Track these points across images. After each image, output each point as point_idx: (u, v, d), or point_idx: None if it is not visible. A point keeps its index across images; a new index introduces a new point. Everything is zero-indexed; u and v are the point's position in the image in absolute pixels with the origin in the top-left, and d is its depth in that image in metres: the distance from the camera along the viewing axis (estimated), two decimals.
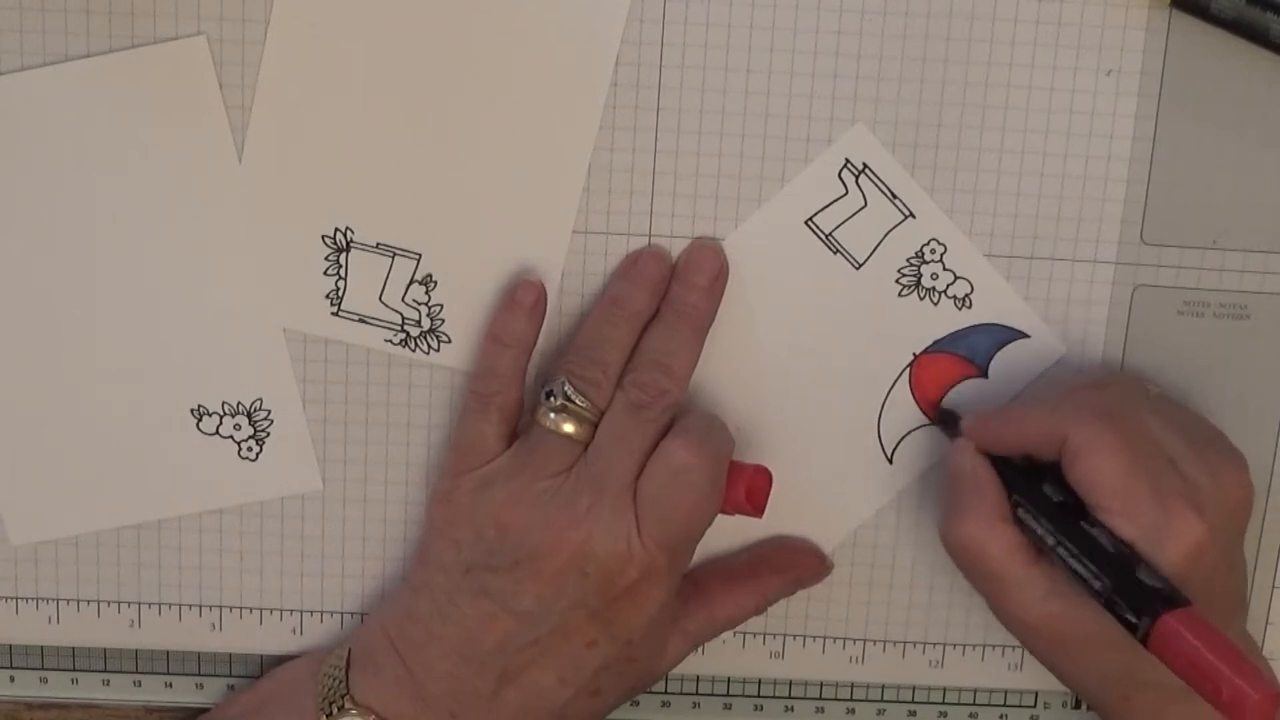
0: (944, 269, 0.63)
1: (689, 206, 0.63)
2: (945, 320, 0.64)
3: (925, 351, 0.64)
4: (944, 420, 0.64)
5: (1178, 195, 0.62)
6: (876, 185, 0.62)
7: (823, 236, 0.63)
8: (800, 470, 0.64)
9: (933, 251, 0.63)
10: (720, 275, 0.62)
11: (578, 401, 0.60)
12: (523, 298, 0.62)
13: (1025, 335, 0.64)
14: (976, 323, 0.64)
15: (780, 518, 0.64)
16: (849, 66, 0.62)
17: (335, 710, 0.61)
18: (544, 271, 0.63)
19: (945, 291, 0.64)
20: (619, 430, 0.60)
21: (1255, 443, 0.64)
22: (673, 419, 0.60)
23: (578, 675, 0.60)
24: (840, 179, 0.62)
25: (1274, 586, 0.67)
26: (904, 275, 0.63)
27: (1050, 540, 0.57)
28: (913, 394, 0.64)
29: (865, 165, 0.62)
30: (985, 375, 0.64)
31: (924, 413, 0.64)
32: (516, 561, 0.59)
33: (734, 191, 0.63)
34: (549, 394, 0.60)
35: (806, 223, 0.63)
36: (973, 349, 0.64)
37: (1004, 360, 0.64)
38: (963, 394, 0.64)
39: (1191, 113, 0.62)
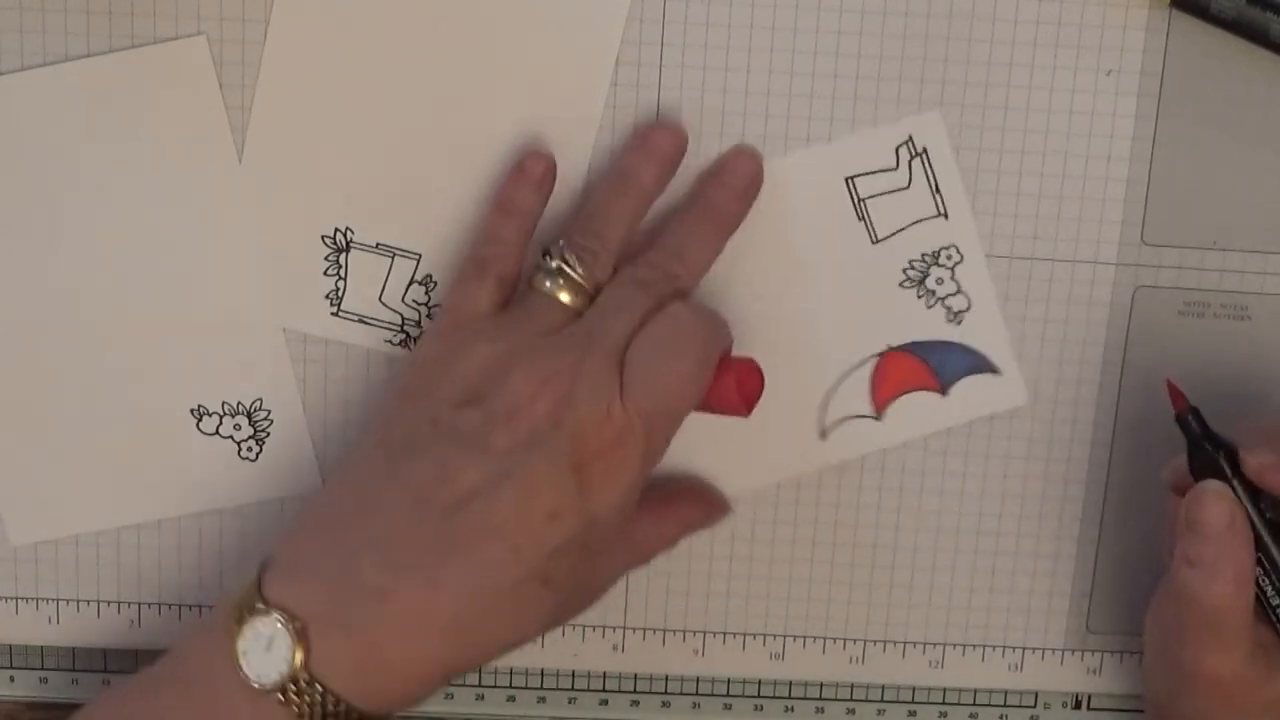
0: (951, 278, 0.63)
1: None
2: (931, 326, 0.64)
3: (899, 348, 0.64)
4: (1192, 425, 0.58)
5: (1178, 195, 0.62)
6: (926, 173, 0.62)
7: (855, 199, 0.63)
8: None
9: (949, 257, 0.63)
10: (755, 182, 0.61)
11: (576, 270, 0.58)
12: (531, 168, 0.60)
13: (997, 372, 0.64)
14: (958, 341, 0.64)
15: (709, 445, 0.64)
16: (849, 67, 0.61)
17: (246, 615, 0.55)
18: None
19: (943, 300, 0.63)
20: (619, 299, 0.57)
21: None
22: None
23: (533, 551, 0.55)
24: (896, 152, 0.62)
25: None
26: (912, 268, 0.63)
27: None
28: (870, 383, 0.64)
29: (925, 150, 0.62)
30: (943, 394, 0.64)
31: (873, 405, 0.64)
32: (493, 409, 0.55)
33: None
34: (546, 254, 0.58)
35: (847, 180, 0.63)
36: (942, 364, 0.64)
37: (966, 387, 0.64)
38: (913, 404, 0.64)
39: (1191, 113, 0.62)
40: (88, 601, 0.67)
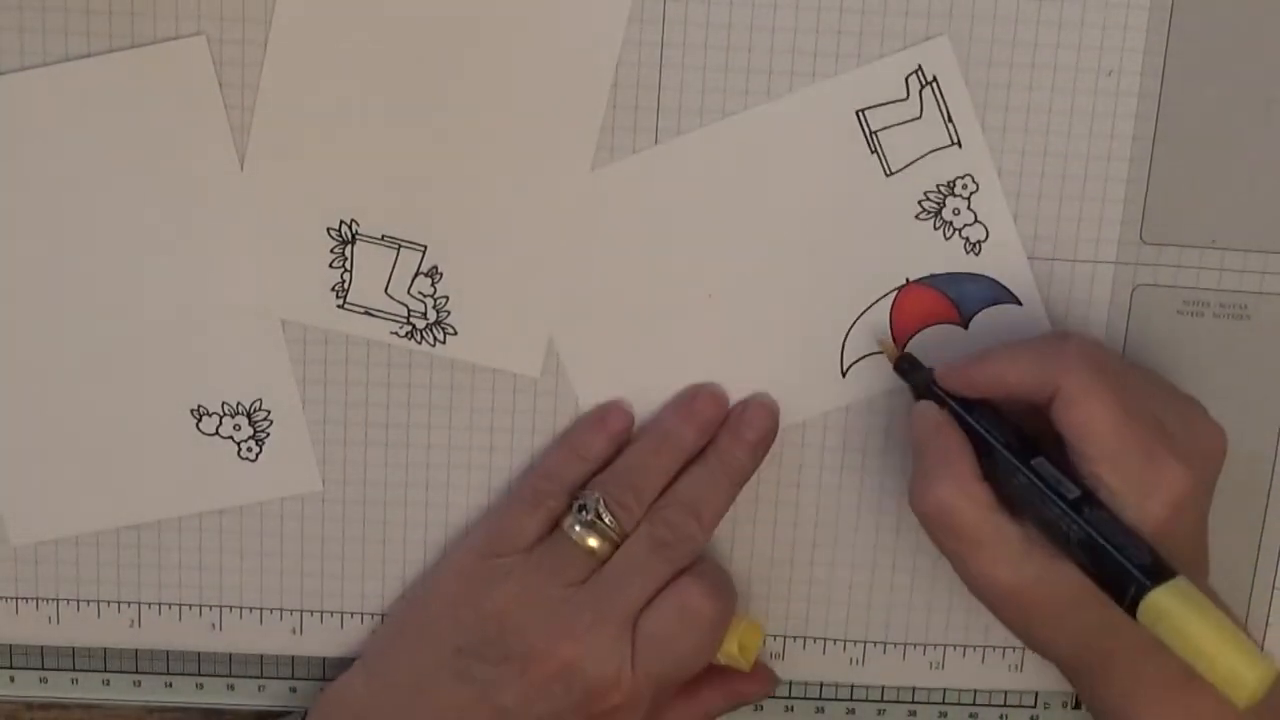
0: (968, 208, 0.63)
1: None
2: (949, 258, 0.63)
3: (918, 281, 0.64)
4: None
5: (1178, 195, 0.62)
6: (937, 102, 0.62)
7: (867, 132, 0.62)
8: (759, 347, 0.64)
9: (964, 187, 0.63)
10: (769, 436, 0.63)
11: (606, 520, 0.61)
12: (613, 422, 0.63)
13: (1018, 302, 0.64)
14: (978, 272, 0.63)
15: (734, 388, 0.64)
16: (849, 68, 0.61)
17: None
18: None
19: (961, 230, 0.63)
20: (637, 561, 0.61)
21: (1255, 443, 0.64)
22: (691, 563, 0.62)
23: None
24: (906, 82, 0.62)
25: (1274, 587, 0.66)
26: (928, 199, 0.63)
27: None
28: (890, 317, 0.64)
29: (935, 78, 0.62)
30: (965, 327, 0.64)
31: (893, 339, 0.64)
32: (507, 657, 0.60)
33: None
34: (581, 508, 0.61)
35: (858, 113, 0.62)
36: (963, 296, 0.64)
37: (987, 318, 0.64)
38: (934, 337, 0.64)
39: (1191, 113, 0.62)
40: (88, 601, 0.67)
